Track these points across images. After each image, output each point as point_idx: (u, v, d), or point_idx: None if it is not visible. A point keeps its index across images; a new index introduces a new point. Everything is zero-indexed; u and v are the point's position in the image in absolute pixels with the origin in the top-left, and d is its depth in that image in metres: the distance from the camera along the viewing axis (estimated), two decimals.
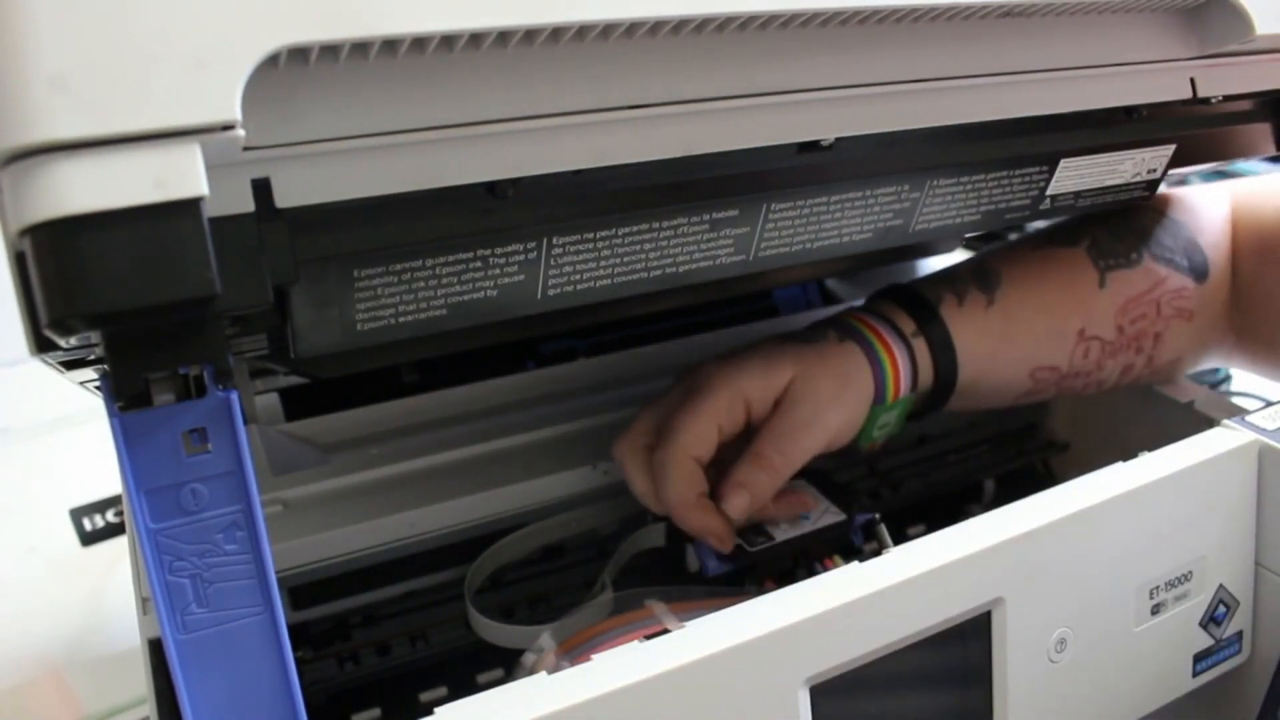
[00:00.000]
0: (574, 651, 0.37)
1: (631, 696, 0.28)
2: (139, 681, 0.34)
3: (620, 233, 0.30)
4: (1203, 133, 0.41)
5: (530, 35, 0.24)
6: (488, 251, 0.29)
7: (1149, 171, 0.41)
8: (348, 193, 0.24)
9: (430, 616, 0.43)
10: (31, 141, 0.18)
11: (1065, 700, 0.36)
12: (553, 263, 0.30)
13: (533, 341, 0.55)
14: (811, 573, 0.35)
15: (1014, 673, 0.35)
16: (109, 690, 0.57)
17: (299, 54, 0.22)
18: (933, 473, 0.53)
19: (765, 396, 0.41)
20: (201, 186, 0.20)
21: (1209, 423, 0.42)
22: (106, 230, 0.19)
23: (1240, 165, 0.65)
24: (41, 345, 0.22)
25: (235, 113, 0.20)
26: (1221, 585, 0.40)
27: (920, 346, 0.43)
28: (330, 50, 0.22)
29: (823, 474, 0.44)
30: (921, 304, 0.44)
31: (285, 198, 0.24)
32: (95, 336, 0.22)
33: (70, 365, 0.29)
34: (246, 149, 0.22)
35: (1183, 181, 0.51)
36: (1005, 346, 0.44)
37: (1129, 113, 0.37)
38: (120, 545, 0.69)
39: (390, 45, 0.23)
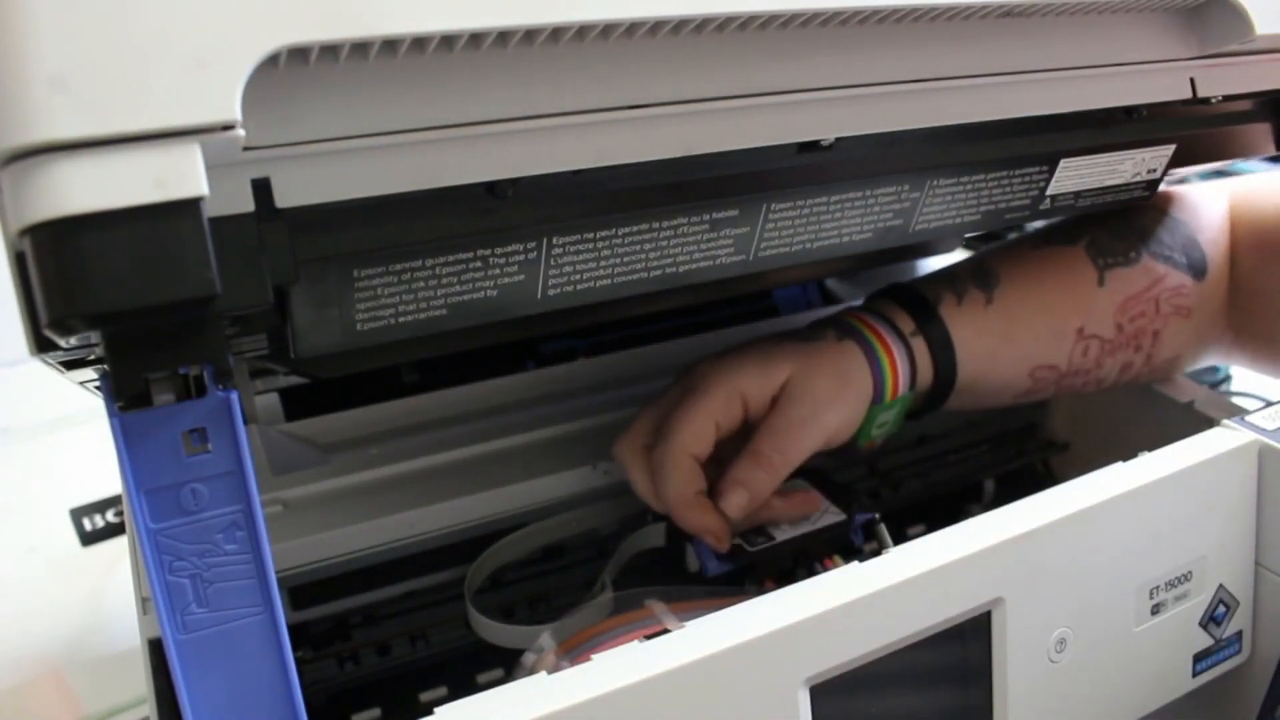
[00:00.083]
0: (574, 651, 0.37)
1: (631, 696, 0.28)
2: (139, 681, 0.34)
3: (620, 233, 0.30)
4: (1203, 133, 0.41)
5: (530, 35, 0.24)
6: (488, 251, 0.29)
7: (1149, 171, 0.41)
8: (348, 193, 0.24)
9: (430, 616, 0.43)
10: (31, 141, 0.18)
11: (1065, 700, 0.36)
12: (553, 263, 0.30)
13: (533, 341, 0.55)
14: (811, 573, 0.35)
15: (1014, 673, 0.35)
16: (109, 690, 0.57)
17: (299, 54, 0.22)
18: (933, 473, 0.53)
19: (763, 394, 0.41)
20: (201, 186, 0.20)
21: (1209, 423, 0.42)
22: (106, 230, 0.19)
23: (1240, 165, 0.65)
24: (41, 345, 0.22)
25: (235, 113, 0.20)
26: (1221, 585, 0.40)
27: (919, 345, 0.43)
28: (330, 50, 0.22)
29: (823, 474, 0.44)
30: (920, 303, 0.44)
31: (285, 198, 0.24)
32: (95, 336, 0.22)
33: (70, 365, 0.29)
34: (246, 149, 0.22)
35: (1182, 181, 0.51)
36: (1004, 345, 0.44)
37: (1129, 113, 0.37)
38: (120, 545, 0.69)
39: (390, 45, 0.23)
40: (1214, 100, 0.38)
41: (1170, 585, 0.38)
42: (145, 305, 0.19)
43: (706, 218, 0.32)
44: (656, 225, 0.31)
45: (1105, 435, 0.54)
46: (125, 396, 0.23)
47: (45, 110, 0.18)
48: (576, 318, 0.50)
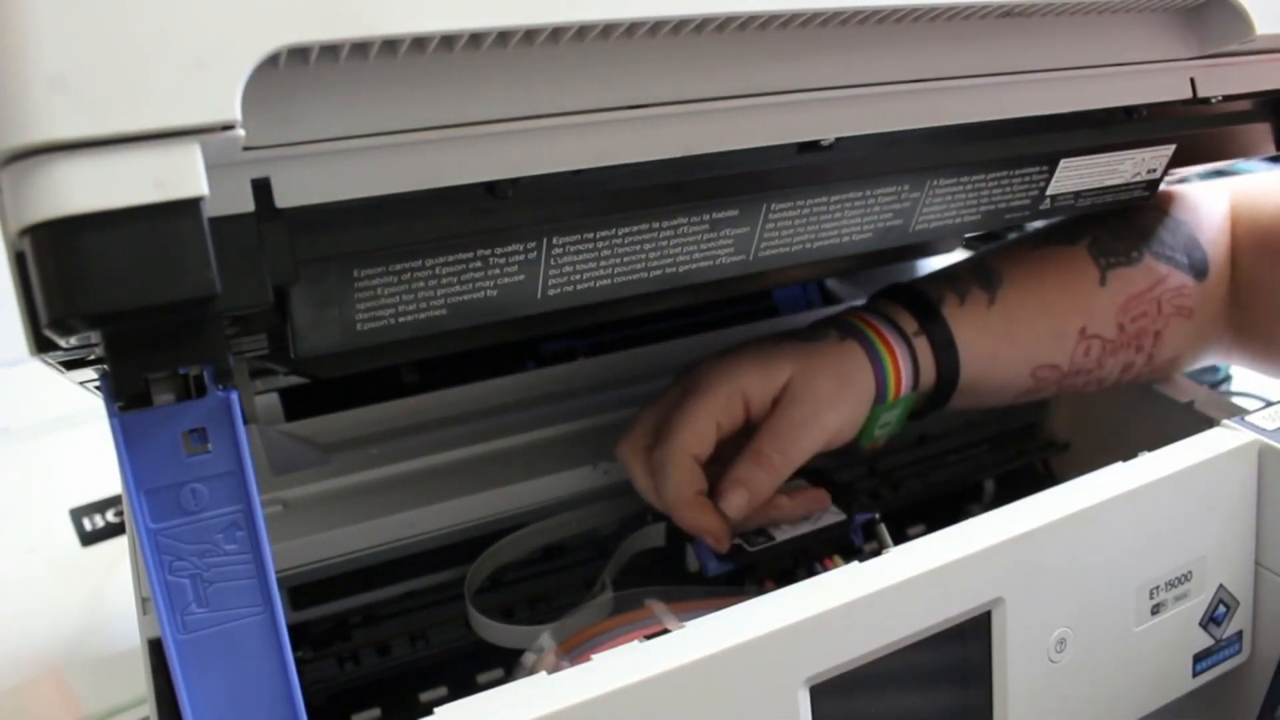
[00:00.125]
0: (574, 651, 0.37)
1: (631, 696, 0.28)
2: (139, 681, 0.34)
3: (620, 233, 0.30)
4: (1203, 133, 0.41)
5: (530, 35, 0.24)
6: (488, 251, 0.29)
7: (1149, 171, 0.41)
8: (347, 193, 0.24)
9: (430, 616, 0.43)
10: (31, 141, 0.18)
11: (1065, 700, 0.36)
12: (553, 263, 0.30)
13: (533, 341, 0.55)
14: (811, 573, 0.35)
15: (1014, 673, 0.35)
16: (109, 690, 0.57)
17: (299, 54, 0.22)
18: (933, 473, 0.53)
19: (764, 394, 0.41)
20: (201, 186, 0.20)
21: (1209, 423, 0.42)
22: (106, 230, 0.19)
23: (1240, 165, 0.65)
24: (41, 345, 0.22)
25: (235, 113, 0.20)
26: (1221, 585, 0.40)
27: (922, 346, 0.43)
28: (330, 50, 0.22)
29: (823, 474, 0.44)
30: (923, 303, 0.44)
31: (285, 198, 0.24)
32: (95, 336, 0.22)
33: (70, 365, 0.29)
34: (246, 149, 0.22)
35: (1182, 181, 0.51)
36: (1007, 346, 0.44)
37: (1129, 113, 0.37)
38: (120, 545, 0.69)
39: (390, 45, 0.23)
40: (1214, 100, 0.38)
41: (1170, 585, 0.38)
42: (145, 305, 0.19)
43: (706, 218, 0.32)
44: (656, 225, 0.31)
45: (1105, 435, 0.54)
46: (125, 396, 0.23)
47: (45, 110, 0.18)
48: (576, 318, 0.50)
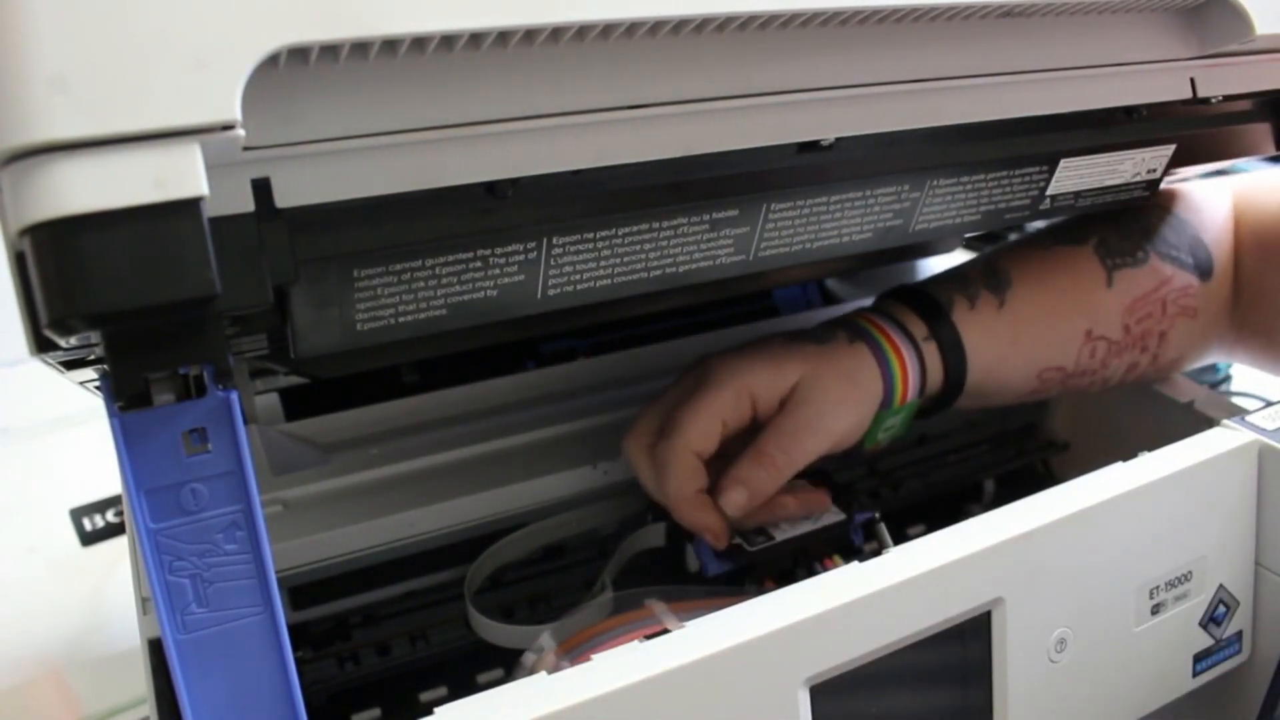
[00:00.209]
0: (574, 651, 0.37)
1: (631, 696, 0.28)
2: (139, 681, 0.34)
3: (620, 233, 0.30)
4: (1203, 133, 0.41)
5: (530, 35, 0.24)
6: (487, 251, 0.29)
7: (1149, 171, 0.41)
8: (347, 193, 0.24)
9: (430, 616, 0.43)
10: (31, 141, 0.18)
11: (1065, 700, 0.36)
12: (553, 263, 0.30)
13: (533, 341, 0.55)
14: (811, 573, 0.35)
15: (1014, 673, 0.35)
16: (109, 690, 0.57)
17: (299, 54, 0.22)
18: (933, 473, 0.53)
19: (772, 394, 0.40)
20: (201, 186, 0.20)
21: (1209, 423, 0.42)
22: (106, 230, 0.19)
23: (1240, 165, 0.65)
24: (41, 345, 0.22)
25: (235, 113, 0.20)
26: (1221, 585, 0.40)
27: (930, 351, 0.43)
28: (330, 50, 0.22)
29: (823, 474, 0.44)
30: (933, 307, 0.44)
31: (285, 198, 0.24)
32: (95, 336, 0.22)
33: (70, 365, 0.29)
34: (246, 149, 0.22)
35: (1182, 181, 0.51)
36: (1014, 349, 0.44)
37: (1129, 113, 0.37)
38: (120, 545, 0.69)
39: (390, 45, 0.23)
40: (1214, 100, 0.38)
41: (1170, 585, 0.38)
42: (145, 305, 0.19)
43: (706, 218, 0.32)
44: (656, 225, 0.31)
45: (1105, 435, 0.54)
46: (125, 396, 0.23)
47: (45, 110, 0.18)
48: (576, 318, 0.50)
